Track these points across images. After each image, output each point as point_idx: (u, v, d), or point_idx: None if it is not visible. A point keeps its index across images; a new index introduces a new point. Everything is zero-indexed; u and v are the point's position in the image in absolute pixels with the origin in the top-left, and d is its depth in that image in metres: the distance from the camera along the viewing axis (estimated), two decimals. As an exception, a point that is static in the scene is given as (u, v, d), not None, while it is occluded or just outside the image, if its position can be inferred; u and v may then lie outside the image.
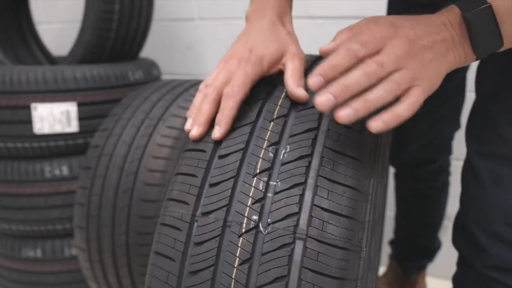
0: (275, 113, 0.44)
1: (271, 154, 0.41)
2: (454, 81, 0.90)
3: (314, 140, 0.42)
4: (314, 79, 0.37)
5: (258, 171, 0.41)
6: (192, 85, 1.02)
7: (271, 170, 0.41)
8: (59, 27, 1.84)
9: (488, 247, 0.61)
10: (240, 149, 0.42)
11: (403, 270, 1.20)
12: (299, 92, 0.44)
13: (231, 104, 0.44)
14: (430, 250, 1.16)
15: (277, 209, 0.39)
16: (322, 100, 0.36)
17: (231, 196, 0.40)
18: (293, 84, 0.44)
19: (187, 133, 0.47)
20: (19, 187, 1.11)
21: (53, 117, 1.07)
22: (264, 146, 0.42)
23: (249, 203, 0.39)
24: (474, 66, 0.67)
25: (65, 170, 1.11)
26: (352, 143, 0.42)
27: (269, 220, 0.39)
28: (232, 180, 0.41)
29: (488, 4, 0.41)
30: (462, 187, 0.67)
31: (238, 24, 1.51)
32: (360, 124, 0.41)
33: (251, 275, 0.37)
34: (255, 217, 0.39)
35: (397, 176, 1.12)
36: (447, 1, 0.45)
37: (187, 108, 0.91)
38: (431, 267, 1.36)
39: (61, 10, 1.83)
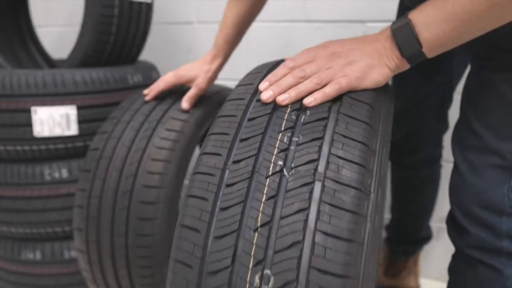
0: None
1: (293, 117, 0.50)
2: (436, 80, 0.99)
3: (330, 107, 0.51)
4: (262, 85, 0.55)
5: (283, 128, 0.48)
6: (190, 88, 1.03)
7: (294, 128, 0.49)
8: (58, 30, 1.85)
9: (468, 228, 0.69)
10: (267, 113, 0.50)
11: (391, 252, 1.27)
12: (184, 105, 0.92)
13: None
14: (416, 238, 1.23)
15: (299, 157, 0.45)
16: (265, 96, 0.53)
17: (259, 148, 0.47)
18: (182, 101, 0.93)
19: (187, 135, 0.81)
20: (18, 189, 1.11)
21: (53, 120, 1.08)
22: (288, 111, 0.51)
23: (275, 153, 0.46)
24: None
25: (64, 173, 1.12)
26: (363, 110, 0.51)
27: (292, 165, 0.45)
28: (260, 136, 0.48)
29: (408, 21, 0.54)
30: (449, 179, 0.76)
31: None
32: (370, 98, 0.53)
33: (276, 209, 0.43)
34: (280, 163, 0.45)
35: (391, 165, 1.19)
36: None
37: (186, 112, 0.92)
38: (427, 269, 1.38)
39: (60, 13, 1.84)
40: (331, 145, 0.46)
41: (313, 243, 0.41)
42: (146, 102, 0.96)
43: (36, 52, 1.52)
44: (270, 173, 0.45)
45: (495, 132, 0.67)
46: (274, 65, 0.61)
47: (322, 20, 1.39)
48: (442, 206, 1.34)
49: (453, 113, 1.03)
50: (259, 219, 0.43)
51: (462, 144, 0.73)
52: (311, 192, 0.43)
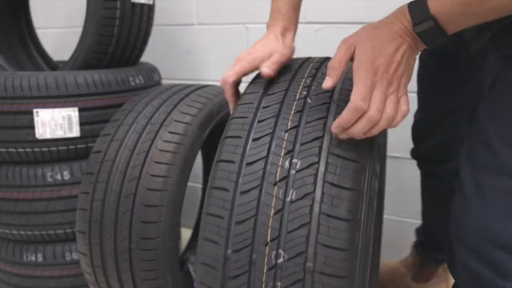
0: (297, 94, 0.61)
1: (297, 118, 0.56)
2: (469, 88, 0.89)
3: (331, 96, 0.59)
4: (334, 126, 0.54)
5: (288, 127, 0.55)
6: (193, 90, 1.03)
7: (298, 127, 0.55)
8: (57, 32, 1.85)
9: (468, 264, 0.61)
10: (273, 116, 0.57)
11: (420, 259, 1.23)
12: (263, 69, 0.65)
13: None
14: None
15: (307, 133, 0.54)
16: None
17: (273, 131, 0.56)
18: (264, 65, 0.65)
19: (190, 138, 0.78)
20: (20, 191, 1.11)
21: (55, 122, 1.08)
22: (292, 113, 0.57)
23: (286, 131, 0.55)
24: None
25: (66, 175, 1.12)
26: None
27: (301, 140, 0.54)
28: (269, 135, 0.55)
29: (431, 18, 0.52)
30: (452, 201, 0.67)
31: (237, 29, 1.53)
32: None
33: (292, 165, 0.52)
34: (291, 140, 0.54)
35: (420, 171, 1.15)
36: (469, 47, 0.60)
37: (188, 114, 0.92)
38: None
39: (59, 15, 1.83)
40: (330, 143, 0.54)
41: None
42: (154, 104, 0.95)
43: (37, 54, 1.52)
44: (285, 137, 0.54)
45: None
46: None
47: (323, 21, 1.39)
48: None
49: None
50: (277, 175, 0.51)
51: (472, 160, 0.62)
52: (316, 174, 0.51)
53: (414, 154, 1.12)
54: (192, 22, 1.58)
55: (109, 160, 0.88)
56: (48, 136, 1.08)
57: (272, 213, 0.50)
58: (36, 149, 1.09)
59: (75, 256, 1.17)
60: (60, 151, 1.11)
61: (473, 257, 0.60)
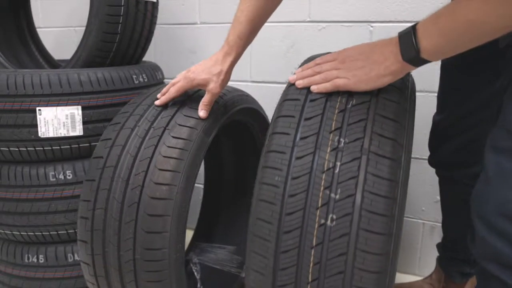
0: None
1: (344, 102, 0.66)
2: (495, 86, 0.90)
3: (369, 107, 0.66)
4: (293, 77, 0.74)
5: (337, 111, 0.65)
6: (196, 91, 0.99)
7: (344, 112, 0.65)
8: (57, 31, 1.83)
9: (488, 240, 0.65)
10: (319, 114, 0.65)
11: (446, 274, 1.19)
12: (201, 113, 0.86)
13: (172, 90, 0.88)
14: (473, 258, 1.11)
15: (349, 135, 0.62)
16: (291, 78, 0.74)
17: (320, 123, 0.64)
18: (199, 109, 0.86)
19: (195, 144, 0.85)
20: (22, 191, 1.09)
21: (58, 121, 1.06)
22: (339, 100, 0.67)
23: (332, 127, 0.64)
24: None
25: (69, 175, 1.10)
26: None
27: (346, 140, 0.62)
28: (316, 136, 0.63)
29: (411, 29, 0.62)
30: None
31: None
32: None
33: (337, 158, 0.61)
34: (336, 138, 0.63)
35: (439, 179, 1.12)
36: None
37: (192, 117, 0.87)
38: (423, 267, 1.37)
39: (59, 15, 1.82)
40: (373, 124, 0.63)
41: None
42: (157, 106, 0.90)
43: (38, 53, 1.50)
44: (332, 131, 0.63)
45: None
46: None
47: (327, 20, 1.38)
48: (437, 205, 1.34)
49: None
50: (325, 166, 0.61)
51: (496, 145, 0.68)
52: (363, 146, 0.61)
53: (433, 161, 1.08)
54: (195, 21, 1.57)
55: (111, 167, 0.82)
56: (51, 134, 1.06)
57: (325, 169, 0.60)
58: (38, 148, 1.07)
59: (77, 257, 1.15)
60: (63, 150, 1.09)
61: (493, 233, 0.64)
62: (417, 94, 1.31)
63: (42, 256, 1.14)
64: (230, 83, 1.21)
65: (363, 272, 0.56)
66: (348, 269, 0.56)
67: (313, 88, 0.69)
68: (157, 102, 0.88)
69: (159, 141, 0.82)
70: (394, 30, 0.68)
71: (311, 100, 0.68)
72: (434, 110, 1.05)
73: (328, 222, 0.57)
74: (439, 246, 1.21)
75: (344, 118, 0.64)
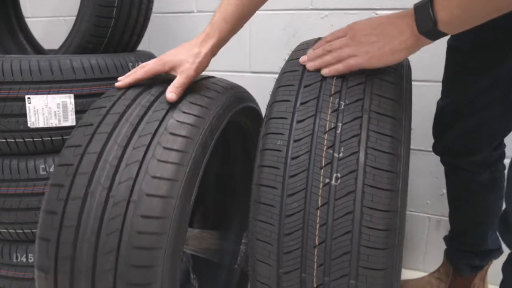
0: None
1: (338, 85, 0.66)
2: (502, 69, 0.87)
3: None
4: (303, 58, 0.71)
5: (336, 76, 0.66)
6: (198, 81, 0.80)
7: (343, 76, 0.65)
8: (46, 21, 1.76)
9: None
10: (318, 80, 0.66)
11: (454, 268, 1.16)
12: (169, 95, 0.68)
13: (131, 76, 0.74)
14: (481, 250, 1.11)
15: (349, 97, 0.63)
16: (301, 59, 0.71)
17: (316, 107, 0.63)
18: (167, 91, 0.68)
19: (192, 150, 0.64)
20: (10, 186, 1.03)
21: (49, 110, 0.99)
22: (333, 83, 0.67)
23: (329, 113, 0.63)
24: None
25: (61, 168, 1.04)
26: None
27: (346, 101, 0.63)
28: (316, 100, 0.64)
29: (427, 0, 0.60)
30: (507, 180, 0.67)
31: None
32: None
33: (338, 119, 0.61)
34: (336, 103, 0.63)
35: (444, 168, 1.09)
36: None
37: (186, 124, 0.65)
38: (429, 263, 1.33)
39: (47, 4, 1.75)
40: (370, 103, 0.62)
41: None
42: (141, 102, 0.69)
43: (26, 42, 1.43)
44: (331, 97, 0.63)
45: None
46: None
47: (330, 8, 1.34)
48: (442, 198, 1.31)
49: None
50: (327, 127, 0.60)
51: None
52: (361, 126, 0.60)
53: (437, 148, 1.04)
54: (191, 9, 1.51)
55: (85, 174, 0.61)
56: (41, 124, 1.00)
57: (327, 130, 0.60)
58: (27, 139, 1.01)
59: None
60: (54, 142, 1.03)
61: None
62: (420, 84, 1.29)
63: (31, 255, 1.08)
64: (227, 74, 1.13)
65: (371, 230, 0.56)
66: (355, 228, 0.56)
67: (325, 71, 0.66)
68: (117, 84, 0.74)
69: (145, 153, 0.61)
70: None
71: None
72: (437, 101, 1.02)
73: (333, 181, 0.57)
74: (446, 239, 1.18)
75: (343, 82, 0.64)
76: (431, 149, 1.07)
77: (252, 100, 0.97)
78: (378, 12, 1.29)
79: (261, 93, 1.13)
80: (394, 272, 0.58)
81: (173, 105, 0.67)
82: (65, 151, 0.65)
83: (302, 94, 0.64)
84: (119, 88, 0.74)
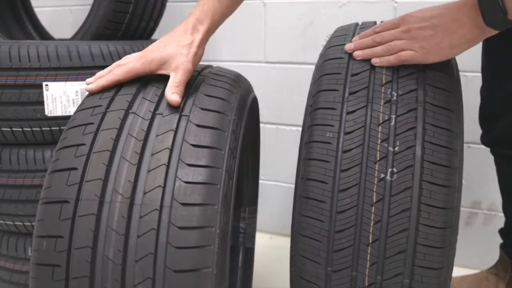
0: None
1: (389, 75, 0.63)
2: None
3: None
4: (355, 37, 0.68)
5: (383, 82, 0.61)
6: (201, 70, 0.68)
7: (392, 82, 0.61)
8: (51, 10, 1.71)
9: None
10: (367, 69, 0.63)
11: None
12: (171, 97, 0.56)
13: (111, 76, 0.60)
14: None
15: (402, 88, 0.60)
16: (347, 46, 0.66)
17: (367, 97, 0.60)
18: (167, 93, 0.57)
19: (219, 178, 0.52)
20: (26, 177, 0.99)
21: (67, 98, 0.96)
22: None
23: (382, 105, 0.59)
24: None
25: (79, 158, 1.00)
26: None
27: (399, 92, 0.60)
28: (366, 89, 0.61)
29: None
30: None
31: (254, 5, 1.43)
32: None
33: (392, 111, 0.58)
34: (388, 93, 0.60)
35: (495, 159, 1.05)
36: None
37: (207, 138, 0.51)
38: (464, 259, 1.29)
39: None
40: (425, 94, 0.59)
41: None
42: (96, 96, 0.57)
43: (33, 29, 1.38)
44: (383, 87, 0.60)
45: None
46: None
47: (348, -3, 1.32)
48: (475, 190, 1.29)
49: None
50: (380, 119, 0.57)
51: None
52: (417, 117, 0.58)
53: (486, 139, 1.02)
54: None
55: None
56: (59, 113, 0.96)
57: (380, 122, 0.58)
58: (44, 128, 0.97)
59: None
60: (72, 131, 0.99)
61: None
62: (467, 74, 1.25)
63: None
64: (240, 64, 1.05)
65: (429, 228, 0.53)
66: (412, 226, 0.53)
67: (375, 61, 0.63)
68: (88, 87, 0.59)
69: (166, 175, 0.49)
70: (420, 6, 0.64)
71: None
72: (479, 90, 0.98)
73: (388, 176, 0.55)
74: (502, 232, 1.13)
75: (394, 72, 0.61)
76: (477, 143, 1.04)
77: (252, 89, 0.83)
78: (398, 0, 1.26)
79: (274, 82, 1.10)
80: (449, 272, 0.56)
81: (180, 117, 0.54)
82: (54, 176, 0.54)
83: (350, 83, 0.61)
84: (92, 93, 0.59)
